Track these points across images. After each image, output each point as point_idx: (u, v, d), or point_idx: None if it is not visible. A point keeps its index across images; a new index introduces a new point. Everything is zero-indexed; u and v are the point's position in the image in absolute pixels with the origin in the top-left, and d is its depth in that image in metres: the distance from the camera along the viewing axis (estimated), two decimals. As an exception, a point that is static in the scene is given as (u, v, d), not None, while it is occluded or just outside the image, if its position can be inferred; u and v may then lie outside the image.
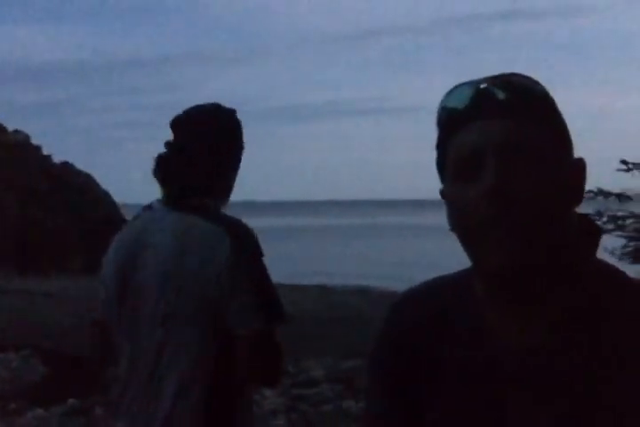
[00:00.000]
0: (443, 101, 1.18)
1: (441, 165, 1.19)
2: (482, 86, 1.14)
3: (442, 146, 1.18)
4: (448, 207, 1.18)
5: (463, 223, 1.14)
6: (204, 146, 2.37)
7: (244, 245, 2.27)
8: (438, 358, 1.21)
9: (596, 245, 1.21)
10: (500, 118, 1.12)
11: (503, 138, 1.11)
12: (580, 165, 1.18)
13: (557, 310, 1.14)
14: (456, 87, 1.17)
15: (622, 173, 10.05)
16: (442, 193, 1.20)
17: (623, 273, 1.21)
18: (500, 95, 1.13)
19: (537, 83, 1.17)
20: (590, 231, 1.21)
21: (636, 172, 9.80)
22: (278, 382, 2.49)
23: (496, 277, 1.13)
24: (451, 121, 1.16)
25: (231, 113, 2.46)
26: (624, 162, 9.65)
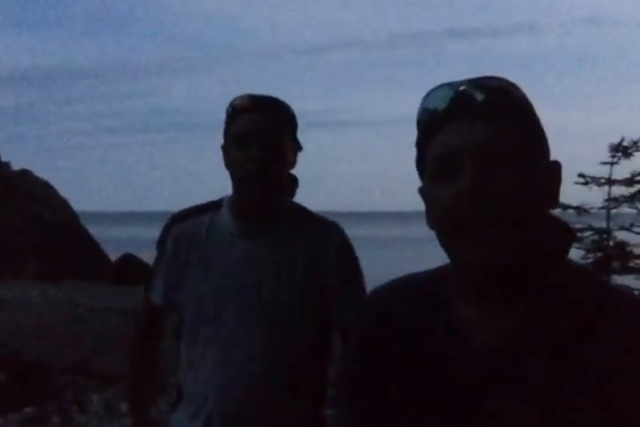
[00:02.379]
0: (422, 102, 1.20)
1: (420, 164, 1.21)
2: (461, 88, 1.16)
3: (421, 146, 1.20)
4: (426, 205, 1.20)
5: (440, 222, 1.16)
6: None
7: None
8: (411, 355, 1.22)
9: (568, 246, 1.23)
10: (477, 120, 1.14)
11: (480, 140, 1.13)
12: (555, 168, 1.20)
13: (530, 309, 1.16)
14: (436, 88, 1.19)
15: (580, 187, 10.18)
16: (421, 191, 1.22)
17: (596, 275, 1.24)
18: (479, 97, 1.14)
19: (515, 86, 1.18)
20: (563, 232, 1.23)
21: (593, 185, 9.92)
22: None
23: (471, 274, 1.15)
24: (430, 122, 1.17)
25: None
26: (582, 175, 9.76)
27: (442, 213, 1.15)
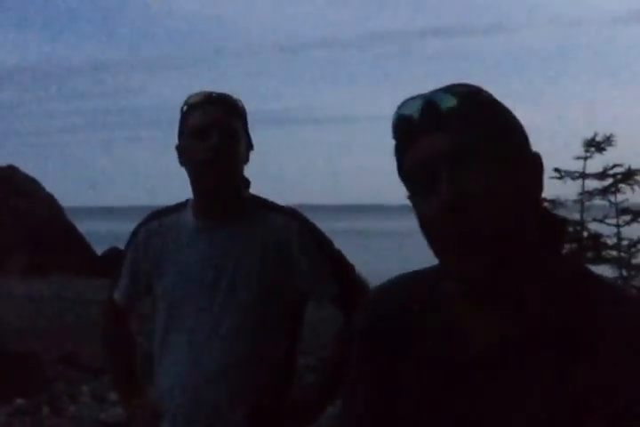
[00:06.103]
0: (395, 114, 1.19)
1: (400, 175, 1.21)
2: (428, 98, 1.16)
3: (398, 156, 1.20)
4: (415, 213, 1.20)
5: (426, 235, 1.16)
6: None
7: None
8: (410, 351, 1.23)
9: (561, 238, 1.22)
10: (447, 129, 1.13)
11: (452, 151, 1.13)
12: (536, 160, 1.19)
13: (527, 306, 1.16)
14: (406, 100, 1.19)
15: (555, 181, 10.36)
16: (408, 198, 1.22)
17: (592, 271, 1.22)
18: (445, 105, 1.14)
19: (480, 89, 1.19)
20: (554, 225, 1.23)
21: (568, 179, 10.10)
22: None
23: (457, 281, 1.16)
24: (402, 134, 1.18)
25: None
26: (557, 170, 9.93)
27: (423, 225, 1.16)
